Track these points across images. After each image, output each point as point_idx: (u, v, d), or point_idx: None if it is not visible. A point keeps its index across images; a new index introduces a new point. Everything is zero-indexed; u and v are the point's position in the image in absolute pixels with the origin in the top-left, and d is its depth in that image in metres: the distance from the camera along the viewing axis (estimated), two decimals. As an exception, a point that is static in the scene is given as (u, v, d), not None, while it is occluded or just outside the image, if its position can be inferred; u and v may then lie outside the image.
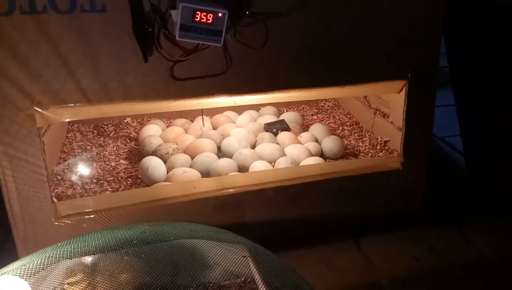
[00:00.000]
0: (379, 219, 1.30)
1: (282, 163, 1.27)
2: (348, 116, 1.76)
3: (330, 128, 1.64)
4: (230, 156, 1.35)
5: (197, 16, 0.91)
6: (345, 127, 1.69)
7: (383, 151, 1.47)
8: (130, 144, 1.56)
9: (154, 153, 1.35)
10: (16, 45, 0.88)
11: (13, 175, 0.95)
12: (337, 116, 1.78)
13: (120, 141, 1.57)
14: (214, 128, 1.56)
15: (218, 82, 1.04)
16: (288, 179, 1.17)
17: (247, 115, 1.64)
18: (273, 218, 1.19)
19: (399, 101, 1.25)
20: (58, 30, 0.90)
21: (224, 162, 1.26)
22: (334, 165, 1.30)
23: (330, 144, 1.43)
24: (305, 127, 1.66)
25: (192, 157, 1.33)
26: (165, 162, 1.30)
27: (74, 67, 0.93)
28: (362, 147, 1.54)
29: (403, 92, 1.20)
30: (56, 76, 0.93)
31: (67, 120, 0.99)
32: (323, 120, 1.75)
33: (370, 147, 1.52)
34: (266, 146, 1.35)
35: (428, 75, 1.19)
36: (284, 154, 1.35)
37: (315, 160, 1.30)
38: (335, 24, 1.07)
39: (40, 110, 0.94)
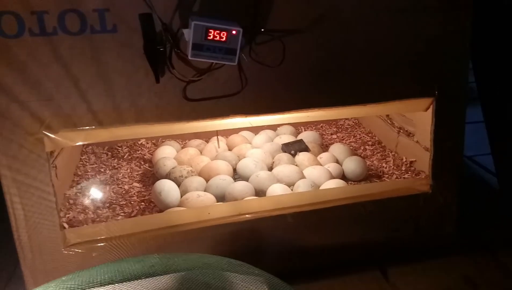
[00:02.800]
0: (407, 247, 1.21)
1: (301, 186, 1.20)
2: (370, 135, 1.68)
3: (351, 148, 1.57)
4: (246, 178, 1.29)
5: (210, 34, 0.87)
6: (367, 147, 1.62)
7: (409, 172, 1.38)
8: (144, 166, 1.52)
9: (167, 176, 1.30)
10: (26, 68, 0.86)
11: (21, 203, 0.92)
12: (358, 135, 1.70)
13: (134, 163, 1.53)
14: (230, 149, 1.51)
15: (233, 102, 0.99)
16: (309, 204, 1.10)
17: (263, 135, 1.58)
18: (292, 246, 1.11)
19: (425, 119, 1.17)
20: (68, 52, 0.87)
21: (240, 185, 1.20)
22: (357, 188, 1.23)
23: (352, 165, 1.36)
24: (324, 147, 1.59)
25: (207, 180, 1.28)
26: (179, 185, 1.25)
27: (85, 89, 0.90)
28: (386, 168, 1.46)
29: (430, 110, 1.12)
30: (67, 99, 0.90)
31: (77, 144, 0.95)
32: (343, 140, 1.68)
33: (395, 168, 1.43)
34: (284, 168, 1.29)
35: (457, 91, 1.11)
36: (303, 176, 1.28)
37: (337, 183, 1.23)
38: (356, 40, 1.01)
39: (49, 134, 0.91)
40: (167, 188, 1.19)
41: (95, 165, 1.50)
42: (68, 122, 0.91)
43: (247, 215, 1.06)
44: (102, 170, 1.48)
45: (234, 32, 0.87)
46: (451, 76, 1.10)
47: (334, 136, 1.71)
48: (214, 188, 1.22)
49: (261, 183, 1.23)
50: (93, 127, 0.93)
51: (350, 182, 1.36)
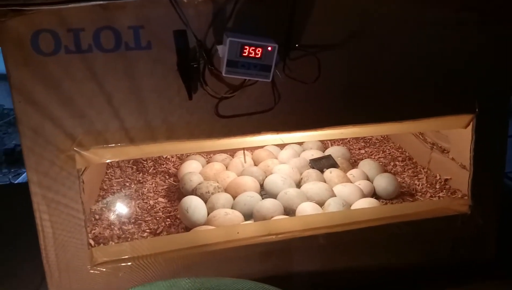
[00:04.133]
0: (444, 270, 1.14)
1: (332, 204, 1.16)
2: (400, 150, 1.63)
3: (381, 163, 1.52)
4: (274, 195, 1.26)
5: (245, 51, 0.85)
6: (397, 163, 1.56)
7: (444, 190, 1.33)
8: (169, 180, 1.51)
9: (194, 192, 1.28)
10: (60, 85, 0.86)
11: (50, 220, 0.91)
12: (387, 150, 1.65)
13: (159, 177, 1.52)
14: (256, 164, 1.48)
15: (265, 119, 0.96)
16: (341, 225, 1.06)
17: (290, 149, 1.55)
18: (324, 267, 1.07)
19: (462, 135, 1.12)
20: (103, 68, 0.87)
21: (269, 203, 1.17)
22: (391, 208, 1.18)
23: (383, 183, 1.31)
24: (353, 163, 1.54)
25: (234, 197, 1.25)
26: (205, 201, 1.23)
27: (118, 106, 0.89)
28: (418, 185, 1.40)
29: (470, 126, 1.07)
30: (99, 116, 0.89)
31: (108, 161, 0.94)
32: (372, 155, 1.63)
33: (428, 185, 1.38)
34: (314, 185, 1.25)
35: (499, 107, 1.06)
36: (333, 194, 1.24)
37: (369, 202, 1.18)
38: (392, 55, 0.98)
39: (81, 151, 0.90)
40: (194, 205, 1.16)
41: (121, 179, 1.50)
42: (100, 139, 0.90)
43: (277, 236, 1.02)
44: (127, 184, 1.47)
45: (269, 48, 0.85)
46: (492, 92, 1.05)
47: (362, 151, 1.67)
48: (241, 205, 1.19)
49: (290, 201, 1.19)
50: (124, 144, 0.92)
51: (381, 200, 1.31)
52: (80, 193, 0.92)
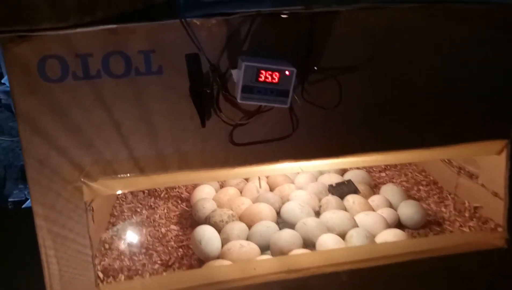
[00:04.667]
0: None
1: (355, 236, 1.08)
2: (423, 173, 1.54)
3: (403, 187, 1.43)
4: (291, 224, 1.19)
5: (261, 75, 0.80)
6: (421, 187, 1.47)
7: (474, 219, 1.23)
8: (181, 205, 1.45)
9: (207, 220, 1.22)
10: (68, 113, 0.82)
11: (56, 256, 0.85)
12: (409, 173, 1.56)
13: (171, 203, 1.46)
14: (271, 189, 1.41)
15: (283, 146, 0.91)
16: (365, 260, 0.97)
17: (307, 173, 1.48)
18: (348, 307, 0.98)
19: (492, 160, 1.04)
20: (112, 95, 0.82)
21: (287, 235, 1.09)
22: (420, 242, 1.09)
23: (409, 211, 1.22)
24: (373, 187, 1.46)
25: (249, 226, 1.18)
26: (219, 231, 1.16)
27: (127, 134, 0.85)
28: (445, 213, 1.31)
29: (504, 153, 0.99)
30: (108, 145, 0.85)
31: (117, 192, 0.89)
32: (393, 178, 1.55)
33: (456, 213, 1.28)
34: (334, 214, 1.17)
35: (536, 133, 0.98)
36: (355, 224, 1.16)
37: (395, 233, 1.10)
38: (418, 76, 0.91)
39: (88, 182, 0.85)
40: (208, 237, 1.10)
41: (132, 205, 1.44)
42: (108, 169, 0.86)
43: (297, 272, 0.95)
44: (139, 210, 1.42)
45: (287, 72, 0.80)
46: (529, 115, 0.97)
47: (383, 174, 1.58)
48: (257, 236, 1.12)
49: (309, 232, 1.11)
50: (134, 174, 0.87)
51: (407, 230, 1.22)
52: (87, 227, 0.87)
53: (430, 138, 0.95)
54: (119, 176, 0.86)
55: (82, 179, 0.85)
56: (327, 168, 1.30)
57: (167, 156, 0.87)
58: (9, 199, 2.40)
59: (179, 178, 0.92)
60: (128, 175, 0.87)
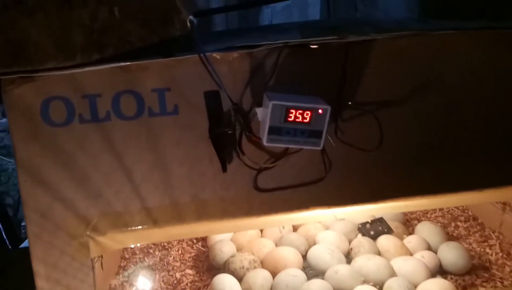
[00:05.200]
0: None
1: (395, 288, 0.96)
2: (461, 208, 1.41)
3: (439, 224, 1.30)
4: (320, 272, 1.06)
5: (290, 115, 0.70)
6: (459, 224, 1.34)
7: (526, 263, 1.10)
8: (197, 245, 1.34)
9: (226, 266, 1.10)
10: (73, 160, 0.73)
11: (59, 322, 0.75)
12: (445, 207, 1.43)
13: (186, 242, 1.36)
14: (295, 229, 1.30)
15: (313, 191, 0.80)
16: (411, 320, 0.85)
17: (332, 209, 1.36)
18: None
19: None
20: (122, 139, 0.74)
21: (317, 287, 0.97)
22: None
23: (452, 255, 1.09)
24: (404, 222, 1.33)
25: (273, 273, 1.06)
26: (240, 279, 1.05)
27: (139, 182, 0.75)
28: (491, 254, 1.17)
29: None
30: (118, 194, 0.75)
31: (130, 246, 0.79)
32: (427, 213, 1.42)
33: (504, 256, 1.15)
34: (369, 261, 1.05)
35: None
36: (393, 272, 1.03)
37: (441, 285, 0.96)
38: (468, 110, 0.81)
39: (95, 236, 0.75)
40: (228, 288, 0.98)
41: (144, 245, 1.34)
42: (118, 221, 0.76)
43: (333, 336, 0.83)
44: (151, 251, 1.32)
45: (320, 111, 0.70)
46: None
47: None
48: (283, 287, 1.00)
49: (342, 282, 0.99)
50: (146, 226, 0.77)
51: (450, 276, 1.09)
52: (94, 287, 0.77)
53: (483, 179, 0.83)
54: (130, 228, 0.77)
55: (88, 233, 0.75)
56: (364, 214, 1.18)
57: (183, 206, 0.77)
58: (22, 223, 2.35)
59: (197, 230, 0.82)
60: (140, 227, 0.77)
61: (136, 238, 0.78)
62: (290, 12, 2.13)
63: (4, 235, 1.77)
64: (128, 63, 0.70)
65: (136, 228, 0.77)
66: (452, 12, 0.90)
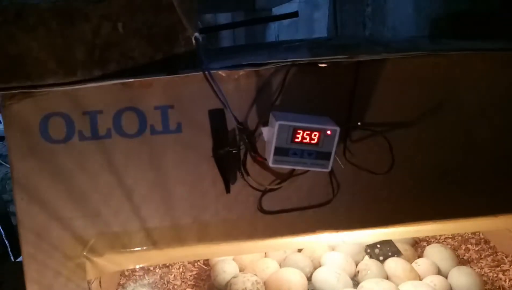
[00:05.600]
0: None
1: (404, 316, 0.91)
2: (471, 230, 1.36)
3: (449, 246, 1.26)
4: (326, 295, 1.02)
5: (297, 136, 0.67)
6: (470, 246, 1.29)
7: (542, 291, 1.05)
8: (198, 263, 1.30)
9: (228, 288, 1.06)
10: (71, 178, 0.71)
11: None
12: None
13: (187, 260, 1.32)
14: (300, 249, 1.26)
15: (320, 214, 0.77)
16: None
17: (338, 229, 1.32)
18: None
19: None
20: (123, 157, 0.71)
21: (322, 312, 0.93)
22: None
23: (463, 281, 1.04)
24: (414, 244, 1.28)
25: (277, 296, 1.02)
26: (242, 301, 1.01)
27: (139, 202, 0.73)
28: (504, 280, 1.12)
29: None
30: (117, 215, 0.73)
31: (129, 267, 0.76)
32: (436, 235, 1.37)
33: (519, 283, 1.10)
34: (376, 286, 1.00)
35: None
36: (402, 298, 0.99)
37: (453, 314, 0.92)
38: (482, 131, 0.77)
39: (92, 258, 0.73)
40: (230, 311, 0.95)
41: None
42: (116, 242, 0.73)
43: None
44: (152, 268, 1.28)
45: (328, 132, 0.67)
46: None
47: (424, 230, 1.41)
48: (287, 311, 0.96)
49: (348, 308, 0.95)
50: (146, 248, 0.74)
51: (461, 303, 1.04)
52: (89, 311, 0.73)
53: (498, 204, 0.80)
54: (128, 250, 0.74)
55: (85, 254, 0.72)
56: (373, 239, 1.14)
57: (184, 227, 0.74)
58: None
59: (198, 252, 0.79)
60: (139, 248, 0.74)
61: (135, 259, 0.75)
62: (296, 27, 2.13)
63: (7, 245, 1.73)
64: (131, 79, 0.68)
65: (135, 249, 0.74)
66: (465, 32, 0.88)
